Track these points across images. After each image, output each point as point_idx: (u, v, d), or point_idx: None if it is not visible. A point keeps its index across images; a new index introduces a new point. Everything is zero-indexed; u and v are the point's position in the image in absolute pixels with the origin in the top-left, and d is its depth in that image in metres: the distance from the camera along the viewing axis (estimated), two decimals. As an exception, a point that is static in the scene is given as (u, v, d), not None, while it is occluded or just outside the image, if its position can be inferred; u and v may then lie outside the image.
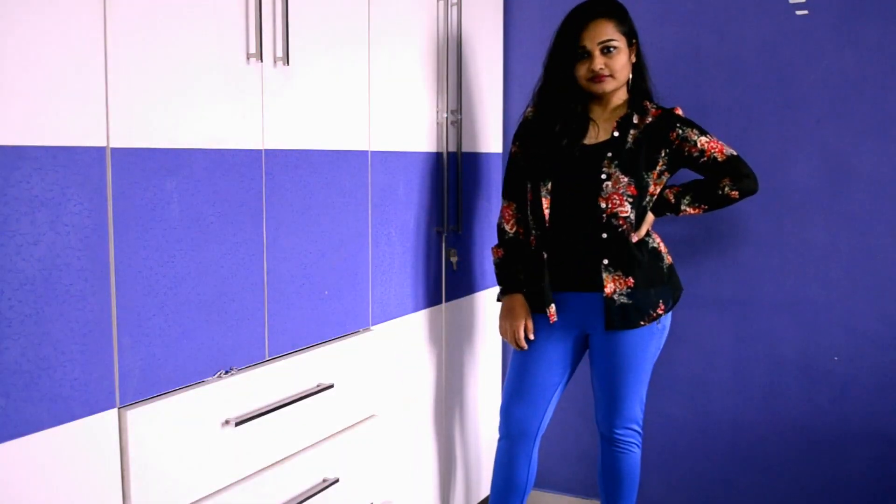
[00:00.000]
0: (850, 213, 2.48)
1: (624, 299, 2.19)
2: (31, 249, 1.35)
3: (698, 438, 2.72)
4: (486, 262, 2.82)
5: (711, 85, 2.58)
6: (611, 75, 2.18)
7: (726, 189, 2.22)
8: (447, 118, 2.51)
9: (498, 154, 2.87)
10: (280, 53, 1.83)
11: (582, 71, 2.19)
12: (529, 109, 2.33)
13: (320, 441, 2.02)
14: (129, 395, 1.54)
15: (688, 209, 2.27)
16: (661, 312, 2.24)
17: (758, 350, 2.63)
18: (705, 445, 2.72)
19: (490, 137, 2.81)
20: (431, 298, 2.50)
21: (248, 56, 1.75)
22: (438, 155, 2.49)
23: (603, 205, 2.17)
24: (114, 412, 1.50)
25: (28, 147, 1.33)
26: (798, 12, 2.49)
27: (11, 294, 1.32)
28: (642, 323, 2.21)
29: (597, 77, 2.18)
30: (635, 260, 2.19)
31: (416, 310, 2.42)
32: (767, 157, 2.54)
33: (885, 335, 2.48)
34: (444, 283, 2.57)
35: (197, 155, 1.65)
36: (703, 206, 2.26)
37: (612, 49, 2.16)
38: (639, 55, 2.26)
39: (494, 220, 2.86)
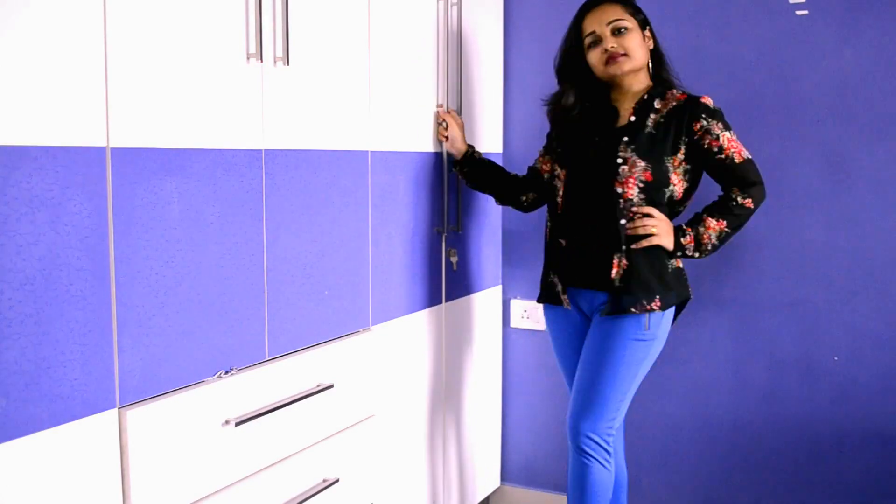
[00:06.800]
0: (850, 213, 2.48)
1: (619, 282, 2.11)
2: (31, 249, 1.35)
3: (698, 438, 2.72)
4: (485, 261, 2.82)
5: (711, 85, 2.57)
6: (625, 54, 2.10)
7: (738, 199, 2.12)
8: (447, 118, 2.51)
9: (498, 154, 2.87)
10: (280, 53, 1.83)
11: (595, 58, 2.14)
12: (550, 130, 2.34)
13: (320, 441, 2.02)
14: (129, 395, 1.53)
15: (709, 220, 2.13)
16: (655, 307, 2.09)
17: (758, 350, 2.63)
18: (705, 445, 2.72)
19: (490, 137, 2.81)
20: (431, 298, 2.50)
21: (248, 56, 1.75)
22: (438, 155, 2.49)
23: (619, 189, 2.10)
24: (114, 412, 1.50)
25: (28, 147, 1.33)
26: (798, 12, 2.49)
27: (11, 294, 1.32)
28: (633, 310, 2.08)
29: (611, 57, 2.10)
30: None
31: (415, 310, 2.42)
32: (767, 157, 2.53)
33: (885, 335, 2.47)
34: (444, 283, 2.57)
35: (197, 155, 1.65)
36: (722, 220, 2.13)
37: (622, 30, 2.10)
38: (656, 43, 2.20)
39: (494, 220, 2.86)
